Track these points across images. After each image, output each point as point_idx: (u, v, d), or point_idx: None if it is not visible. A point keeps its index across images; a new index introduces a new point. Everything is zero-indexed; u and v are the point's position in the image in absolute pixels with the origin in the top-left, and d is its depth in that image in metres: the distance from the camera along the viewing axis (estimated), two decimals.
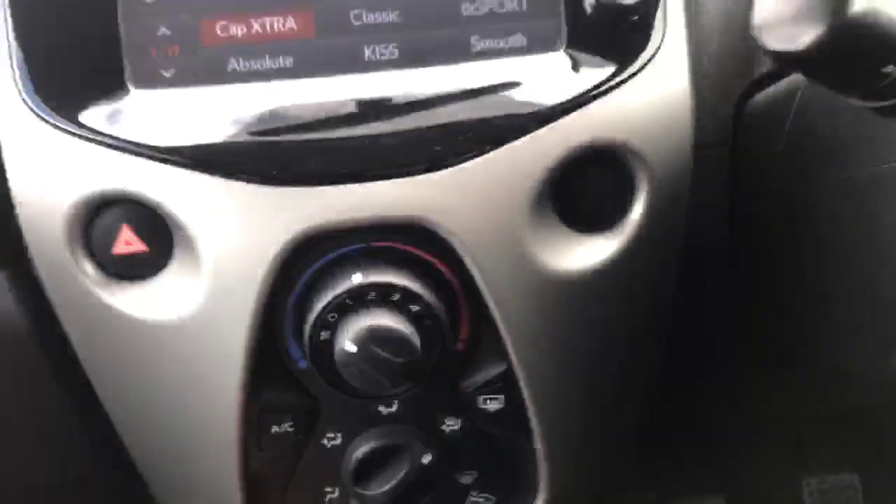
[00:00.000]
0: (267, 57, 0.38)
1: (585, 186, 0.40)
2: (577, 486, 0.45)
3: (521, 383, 0.40)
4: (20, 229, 0.38)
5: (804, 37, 0.27)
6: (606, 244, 0.40)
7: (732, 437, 0.73)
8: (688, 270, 0.47)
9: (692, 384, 0.63)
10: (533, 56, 0.39)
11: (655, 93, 0.39)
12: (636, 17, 0.38)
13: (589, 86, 0.38)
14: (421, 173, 0.37)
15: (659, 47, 0.38)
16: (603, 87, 0.38)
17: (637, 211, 0.40)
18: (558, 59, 0.39)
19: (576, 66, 0.39)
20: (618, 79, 0.38)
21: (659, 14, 0.38)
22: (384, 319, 0.36)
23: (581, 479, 0.45)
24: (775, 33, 0.28)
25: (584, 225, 0.40)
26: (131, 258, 0.38)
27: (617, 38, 0.39)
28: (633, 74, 0.38)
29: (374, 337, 0.36)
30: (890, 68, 0.28)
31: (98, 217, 0.38)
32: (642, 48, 0.38)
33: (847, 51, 0.27)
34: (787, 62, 0.28)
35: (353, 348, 0.36)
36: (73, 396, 0.43)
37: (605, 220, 0.40)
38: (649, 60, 0.38)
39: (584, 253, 0.40)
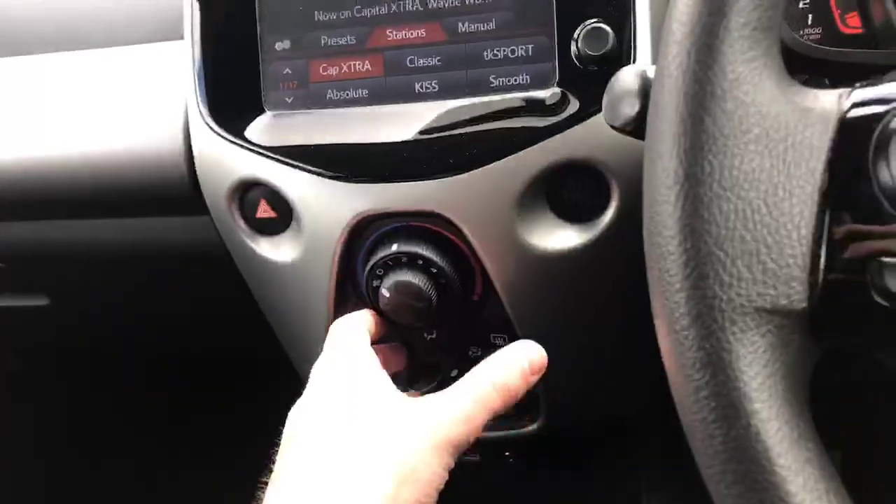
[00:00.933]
0: (351, 89, 0.55)
1: (571, 188, 0.52)
2: (570, 408, 0.59)
3: (516, 328, 0.55)
4: None
5: (627, 114, 0.38)
6: (582, 234, 0.52)
7: (851, 397, 0.79)
8: None
9: None
10: (533, 91, 0.51)
11: None
12: (607, 64, 0.49)
13: (570, 114, 0.50)
14: (442, 176, 0.52)
15: None
16: (581, 116, 0.50)
17: (609, 212, 0.51)
18: (551, 93, 0.51)
19: (563, 100, 0.51)
20: (593, 108, 0.50)
21: (626, 61, 0.49)
22: (409, 276, 0.53)
23: (571, 405, 0.59)
24: (611, 112, 0.39)
25: (570, 217, 0.53)
26: (266, 221, 0.58)
27: (593, 79, 0.50)
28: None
29: (401, 287, 0.53)
30: None
31: (247, 193, 0.58)
32: None
33: None
34: (622, 132, 0.39)
35: (387, 294, 0.53)
36: (246, 297, 0.65)
37: (586, 214, 0.52)
38: None
39: (564, 238, 0.52)
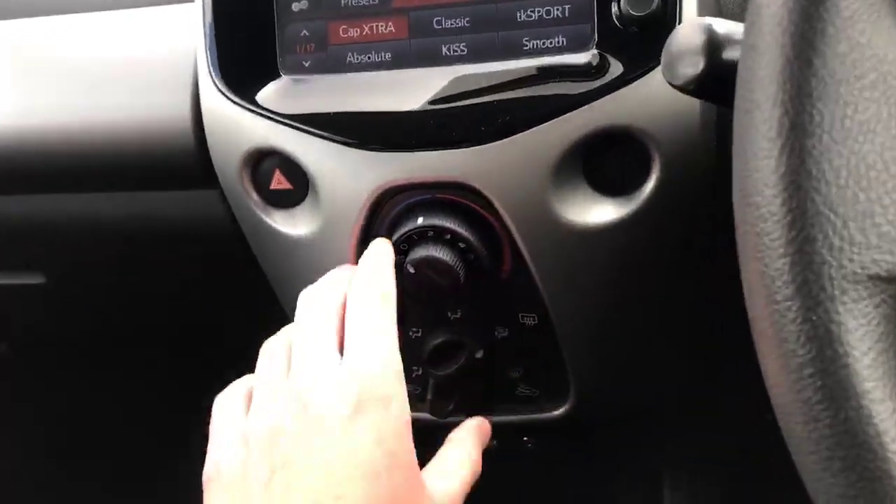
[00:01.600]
0: (373, 52, 0.51)
1: (609, 159, 0.49)
2: (601, 392, 0.56)
3: (548, 308, 0.52)
4: None
5: (690, 73, 0.35)
6: (621, 207, 0.49)
7: None
8: None
9: None
10: (569, 54, 0.48)
11: (666, 87, 0.46)
12: (651, 25, 0.46)
13: (610, 79, 0.47)
14: (471, 145, 0.49)
15: None
16: (622, 81, 0.47)
17: (650, 183, 0.48)
18: (589, 56, 0.48)
19: (602, 63, 0.47)
20: (634, 73, 0.47)
21: (672, 22, 0.46)
22: (435, 252, 0.50)
23: (603, 388, 0.56)
24: (671, 70, 0.36)
25: (608, 190, 0.50)
26: (281, 193, 0.55)
27: (635, 41, 0.47)
28: (647, 71, 0.47)
29: (427, 263, 0.49)
30: None
31: (261, 163, 0.54)
32: (655, 49, 0.46)
33: (726, 84, 0.35)
34: (686, 92, 0.36)
35: (412, 270, 0.50)
36: (254, 273, 0.62)
37: (625, 187, 0.49)
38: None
39: (601, 212, 0.49)
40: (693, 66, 0.35)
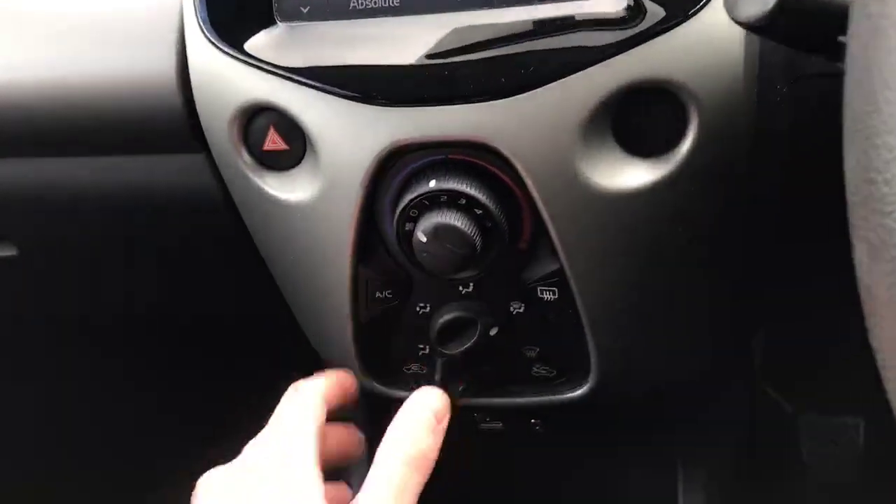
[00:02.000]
0: None
1: (642, 116, 0.44)
2: (624, 373, 0.51)
3: (571, 280, 0.48)
4: None
5: (759, 9, 0.31)
6: (654, 170, 0.44)
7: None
8: None
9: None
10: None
11: (707, 36, 0.42)
12: None
13: (645, 27, 0.42)
14: (488, 100, 0.44)
15: None
16: (657, 30, 0.42)
17: (687, 143, 0.44)
18: (623, 1, 0.43)
19: (636, 9, 0.43)
20: (671, 22, 0.42)
21: None
22: (450, 218, 0.45)
23: (628, 368, 0.51)
24: (735, 6, 0.31)
25: (640, 150, 0.45)
26: (275, 154, 0.49)
27: None
28: (686, 19, 0.42)
29: (440, 231, 0.45)
30: (842, 38, 0.30)
31: (253, 120, 0.49)
32: None
33: (799, 22, 0.30)
34: (752, 30, 0.32)
35: (424, 238, 0.45)
36: (248, 248, 0.57)
37: (658, 147, 0.45)
38: (702, 6, 0.42)
39: (632, 175, 0.45)
40: (762, 3, 0.30)
